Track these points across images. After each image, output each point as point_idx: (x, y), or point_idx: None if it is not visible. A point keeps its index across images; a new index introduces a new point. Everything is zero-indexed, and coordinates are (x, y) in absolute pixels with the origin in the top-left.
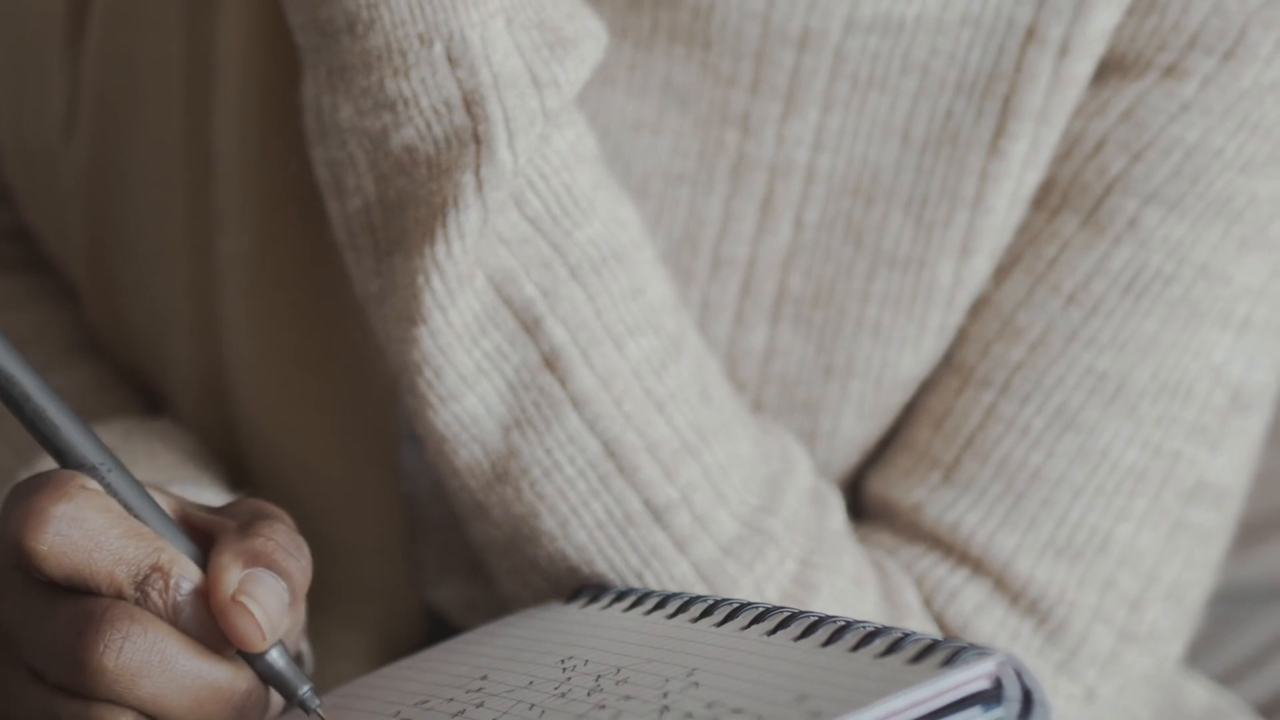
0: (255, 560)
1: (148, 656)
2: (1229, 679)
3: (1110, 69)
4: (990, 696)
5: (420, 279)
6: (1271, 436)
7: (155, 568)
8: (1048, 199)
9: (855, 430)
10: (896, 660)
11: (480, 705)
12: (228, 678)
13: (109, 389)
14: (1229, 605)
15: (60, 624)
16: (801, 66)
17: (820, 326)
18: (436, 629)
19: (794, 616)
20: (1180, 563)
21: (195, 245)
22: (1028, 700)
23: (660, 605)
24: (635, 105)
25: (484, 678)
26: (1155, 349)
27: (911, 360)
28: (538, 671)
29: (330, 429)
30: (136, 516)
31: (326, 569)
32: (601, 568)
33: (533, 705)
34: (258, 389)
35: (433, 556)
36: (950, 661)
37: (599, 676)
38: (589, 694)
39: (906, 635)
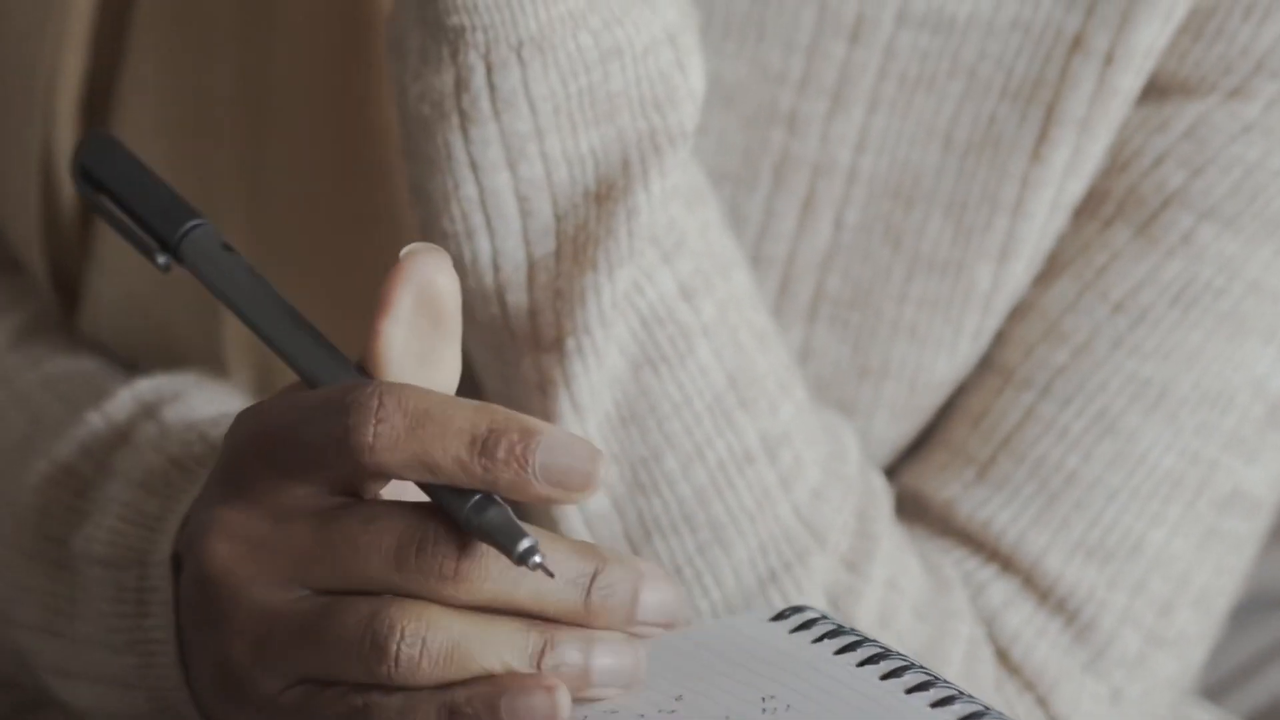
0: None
1: (439, 659)
2: (1221, 689)
3: (1174, 89)
4: None
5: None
6: None
7: (491, 430)
8: (1102, 210)
9: (888, 431)
10: None
11: None
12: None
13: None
14: None
15: (357, 615)
16: (851, 61)
17: (857, 328)
18: None
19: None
20: (1211, 569)
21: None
22: None
23: (873, 660)
24: None
25: (679, 698)
26: (1199, 359)
27: (947, 363)
28: (735, 707)
29: None
30: None
31: None
32: (717, 510)
33: None
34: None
35: None
36: None
37: None
38: None
39: None
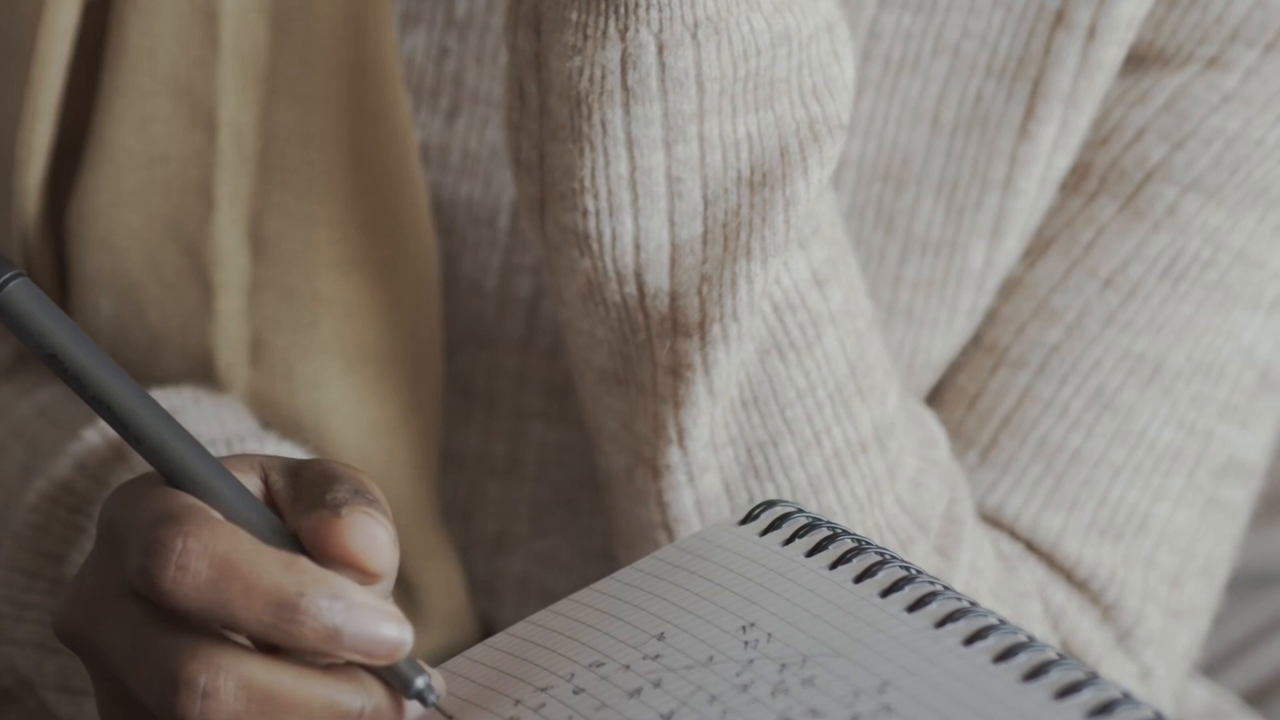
0: (339, 507)
1: (238, 708)
2: (1217, 665)
3: (1151, 60)
4: None
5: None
6: None
7: (300, 593)
8: (1084, 184)
9: None
10: None
11: (658, 684)
12: (336, 695)
13: None
14: None
15: (151, 668)
16: None
17: None
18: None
19: (994, 629)
20: (1213, 538)
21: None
22: None
23: (844, 559)
24: None
25: (661, 637)
26: (1191, 331)
27: (943, 343)
28: (718, 641)
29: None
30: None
31: None
32: (829, 498)
33: (713, 699)
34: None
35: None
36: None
37: (783, 666)
38: (773, 693)
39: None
